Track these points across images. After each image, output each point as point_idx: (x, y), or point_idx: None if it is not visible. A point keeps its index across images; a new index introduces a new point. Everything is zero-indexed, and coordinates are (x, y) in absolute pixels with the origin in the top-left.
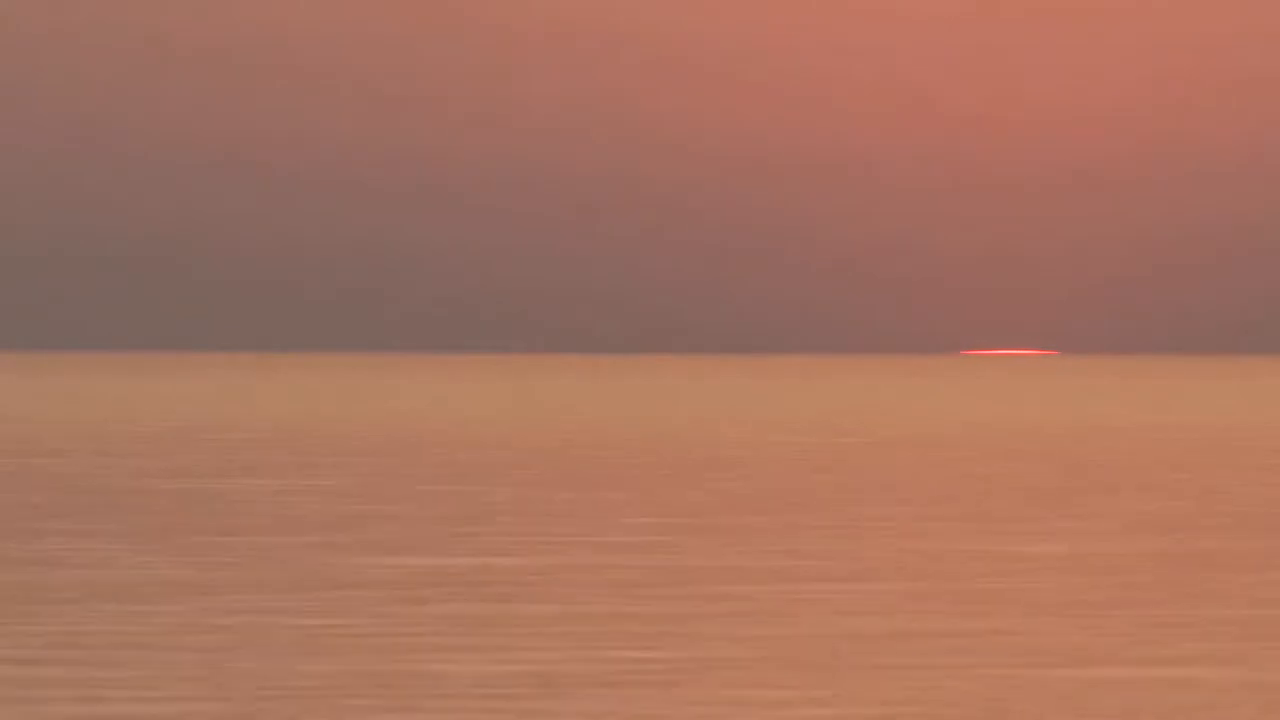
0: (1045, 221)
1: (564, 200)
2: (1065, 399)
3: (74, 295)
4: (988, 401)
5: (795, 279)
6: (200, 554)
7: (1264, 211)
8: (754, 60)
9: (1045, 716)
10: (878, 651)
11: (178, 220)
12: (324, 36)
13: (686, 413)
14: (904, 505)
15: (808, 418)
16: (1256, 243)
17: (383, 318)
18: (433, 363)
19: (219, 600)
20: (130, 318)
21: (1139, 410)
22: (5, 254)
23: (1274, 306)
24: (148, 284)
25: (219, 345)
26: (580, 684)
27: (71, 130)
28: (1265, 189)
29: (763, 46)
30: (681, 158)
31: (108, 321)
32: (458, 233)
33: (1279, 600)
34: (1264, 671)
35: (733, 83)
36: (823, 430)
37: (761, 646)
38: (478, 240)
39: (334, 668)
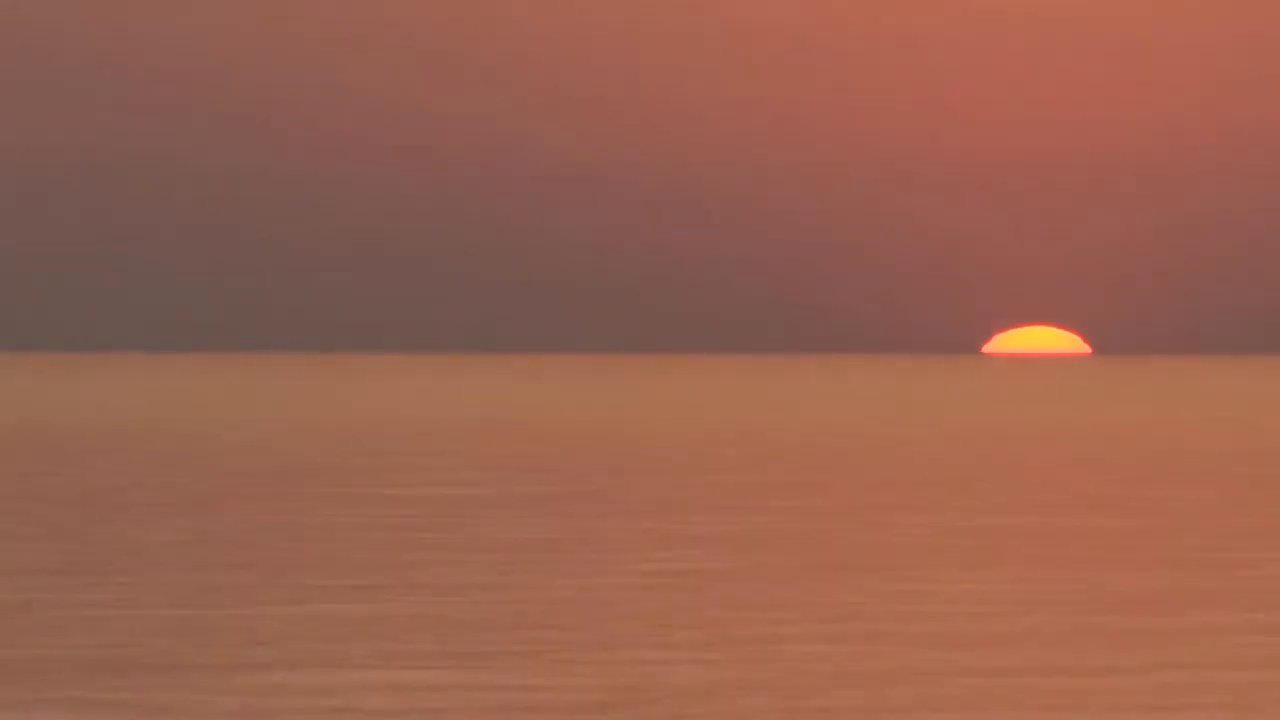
0: (1072, 218)
1: (566, 198)
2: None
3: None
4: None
5: (807, 279)
6: None
7: None
8: (764, 57)
9: None
10: None
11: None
12: (324, 39)
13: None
14: None
15: None
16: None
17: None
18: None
19: None
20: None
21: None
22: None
23: None
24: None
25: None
26: None
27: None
28: None
29: (776, 42)
30: (689, 154)
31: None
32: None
33: None
34: None
35: (738, 81)
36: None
37: None
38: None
39: None
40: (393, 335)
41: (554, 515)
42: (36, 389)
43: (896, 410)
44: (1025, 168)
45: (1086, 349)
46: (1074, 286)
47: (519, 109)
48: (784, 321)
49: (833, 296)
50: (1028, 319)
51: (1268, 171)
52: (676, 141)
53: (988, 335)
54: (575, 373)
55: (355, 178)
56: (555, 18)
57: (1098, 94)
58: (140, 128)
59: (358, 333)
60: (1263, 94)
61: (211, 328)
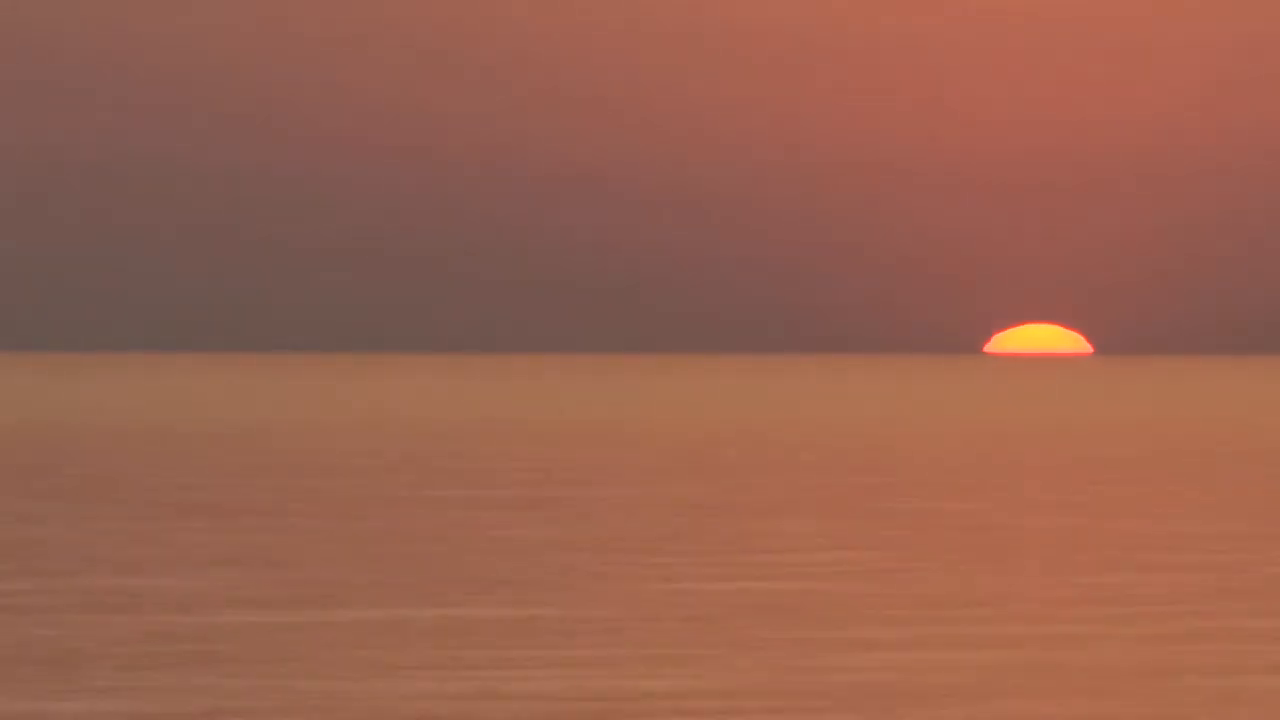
0: (1072, 218)
1: (566, 198)
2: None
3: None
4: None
5: (807, 279)
6: None
7: None
8: (764, 57)
9: None
10: None
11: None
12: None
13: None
14: None
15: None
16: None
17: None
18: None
19: None
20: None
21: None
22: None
23: None
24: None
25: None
26: None
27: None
28: None
29: (776, 42)
30: (689, 154)
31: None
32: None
33: None
34: None
35: (738, 81)
36: None
37: None
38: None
39: None
40: (393, 335)
41: (549, 516)
42: (36, 389)
43: (897, 410)
44: (1025, 168)
45: (1088, 348)
46: (1074, 287)
47: (519, 109)
48: (784, 321)
49: (833, 296)
50: (1028, 318)
51: (1268, 171)
52: (676, 141)
53: (988, 335)
54: (575, 373)
55: (355, 178)
56: (555, 18)
57: (1098, 94)
58: (140, 128)
59: (358, 333)
60: (1263, 94)
61: (211, 328)
